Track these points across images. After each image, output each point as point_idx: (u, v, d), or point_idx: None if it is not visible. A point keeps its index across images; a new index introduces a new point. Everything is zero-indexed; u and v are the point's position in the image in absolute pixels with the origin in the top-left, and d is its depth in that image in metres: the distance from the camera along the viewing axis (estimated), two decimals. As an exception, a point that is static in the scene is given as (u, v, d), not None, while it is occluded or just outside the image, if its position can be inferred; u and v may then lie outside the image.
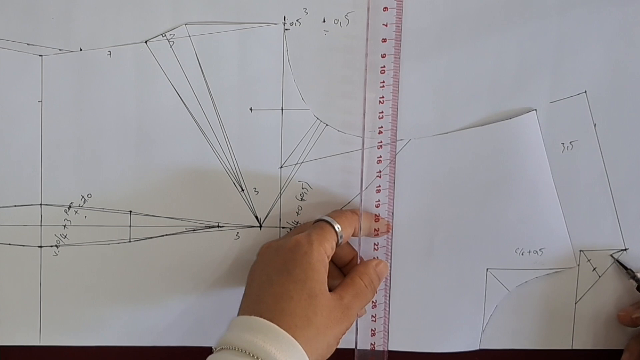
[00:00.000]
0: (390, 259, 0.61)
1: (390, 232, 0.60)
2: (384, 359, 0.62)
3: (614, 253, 0.62)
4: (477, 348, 0.64)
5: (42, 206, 0.61)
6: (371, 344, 0.62)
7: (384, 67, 0.58)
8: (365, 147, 0.59)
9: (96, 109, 0.60)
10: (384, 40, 0.57)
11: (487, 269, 0.62)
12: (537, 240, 0.62)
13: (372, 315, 0.61)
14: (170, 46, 0.59)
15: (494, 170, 0.61)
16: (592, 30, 0.59)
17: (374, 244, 0.60)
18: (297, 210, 0.62)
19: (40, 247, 0.62)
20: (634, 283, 0.62)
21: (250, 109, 0.60)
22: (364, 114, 0.58)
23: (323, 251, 0.55)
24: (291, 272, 0.54)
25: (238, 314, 0.54)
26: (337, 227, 0.57)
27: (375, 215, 0.60)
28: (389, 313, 0.62)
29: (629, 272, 0.62)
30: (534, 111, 0.60)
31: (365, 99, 0.58)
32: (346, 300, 0.55)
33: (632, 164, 0.61)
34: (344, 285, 0.56)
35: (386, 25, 0.57)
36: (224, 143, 0.61)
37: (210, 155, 0.61)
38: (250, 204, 0.61)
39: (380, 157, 0.59)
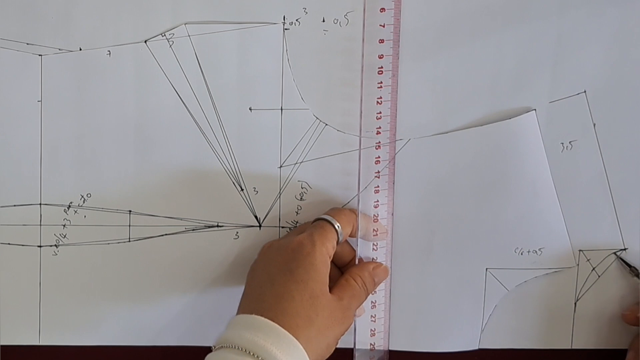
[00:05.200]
0: (391, 259, 0.61)
1: (390, 232, 0.60)
2: (384, 359, 0.62)
3: (614, 252, 0.62)
4: (477, 348, 0.64)
5: (42, 206, 0.61)
6: (371, 344, 0.62)
7: (382, 67, 0.58)
8: (362, 147, 0.59)
9: (96, 108, 0.60)
10: (382, 41, 0.57)
11: (486, 269, 0.62)
12: (537, 240, 0.62)
13: (372, 316, 0.61)
14: (170, 46, 0.59)
15: (494, 170, 0.61)
16: (591, 30, 0.59)
17: (374, 244, 0.60)
18: (296, 210, 0.62)
19: (40, 246, 0.62)
20: (638, 280, 0.62)
21: (250, 109, 0.60)
22: (361, 115, 0.58)
23: (325, 251, 0.55)
24: (293, 272, 0.54)
25: (237, 313, 0.54)
26: (337, 225, 0.57)
27: (374, 215, 0.60)
28: (389, 313, 0.62)
29: (632, 270, 0.62)
30: (534, 111, 0.60)
31: (362, 100, 0.58)
32: (345, 301, 0.55)
33: (632, 164, 0.61)
34: (340, 286, 0.56)
35: (383, 26, 0.57)
36: (224, 143, 0.61)
37: (209, 155, 0.61)
38: (250, 204, 0.61)
39: (379, 157, 0.59)
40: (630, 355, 0.62)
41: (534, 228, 0.62)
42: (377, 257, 0.60)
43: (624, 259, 0.62)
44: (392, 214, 0.61)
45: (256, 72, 0.60)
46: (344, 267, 0.60)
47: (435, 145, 0.61)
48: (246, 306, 0.54)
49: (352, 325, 0.59)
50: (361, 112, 0.58)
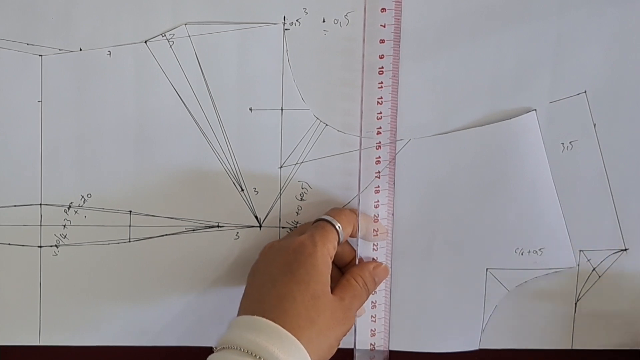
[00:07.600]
0: (391, 259, 0.61)
1: (390, 232, 0.60)
2: (384, 359, 0.62)
3: (614, 253, 0.62)
4: (477, 348, 0.64)
5: (42, 206, 0.61)
6: (371, 344, 0.62)
7: (382, 67, 0.58)
8: (363, 147, 0.59)
9: (96, 109, 0.60)
10: (382, 41, 0.57)
11: (487, 269, 0.62)
12: (537, 240, 0.62)
13: (372, 316, 0.61)
14: (170, 46, 0.59)
15: (494, 170, 0.61)
16: (591, 31, 0.59)
17: (374, 244, 0.60)
18: (297, 210, 0.62)
19: (40, 247, 0.62)
20: None
21: (250, 109, 0.60)
22: (361, 115, 0.58)
23: (327, 252, 0.55)
24: (295, 272, 0.54)
25: (238, 314, 0.54)
26: (338, 226, 0.57)
27: (375, 216, 0.60)
28: (389, 313, 0.62)
29: None
30: (534, 111, 0.60)
31: (362, 100, 0.58)
32: (347, 301, 0.55)
33: (632, 164, 0.61)
34: (342, 286, 0.56)
35: (384, 26, 0.57)
36: (224, 143, 0.61)
37: (210, 155, 0.61)
38: (250, 204, 0.61)
39: (379, 157, 0.59)
40: None
41: (534, 228, 0.62)
42: (377, 257, 0.60)
43: None
44: (393, 214, 0.61)
45: (256, 72, 0.60)
46: (344, 268, 0.60)
47: (435, 146, 0.61)
48: (247, 307, 0.54)
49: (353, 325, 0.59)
50: (361, 112, 0.58)
